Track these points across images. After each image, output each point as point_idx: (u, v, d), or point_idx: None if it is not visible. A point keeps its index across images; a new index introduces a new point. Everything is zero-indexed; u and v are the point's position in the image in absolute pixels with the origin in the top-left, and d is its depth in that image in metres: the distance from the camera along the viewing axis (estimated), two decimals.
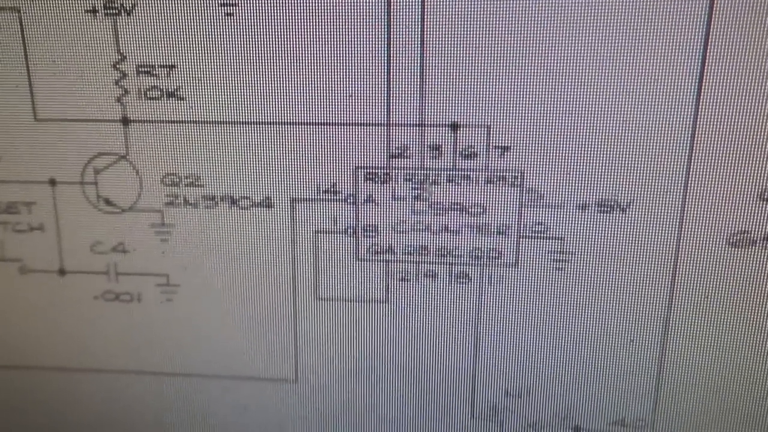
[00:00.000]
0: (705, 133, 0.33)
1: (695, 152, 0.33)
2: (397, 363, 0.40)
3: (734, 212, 0.33)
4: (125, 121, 0.37)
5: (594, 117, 0.33)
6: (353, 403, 0.41)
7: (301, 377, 0.41)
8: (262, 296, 0.40)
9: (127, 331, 0.41)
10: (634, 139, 0.33)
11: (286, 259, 0.39)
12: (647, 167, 0.34)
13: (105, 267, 0.40)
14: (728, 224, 0.34)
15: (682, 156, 0.33)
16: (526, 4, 0.32)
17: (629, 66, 0.32)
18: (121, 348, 0.42)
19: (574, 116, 0.33)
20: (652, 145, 0.33)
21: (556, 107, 0.33)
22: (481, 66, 0.33)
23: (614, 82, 0.32)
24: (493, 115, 0.34)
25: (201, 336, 0.41)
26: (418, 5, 0.33)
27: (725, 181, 0.33)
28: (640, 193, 0.34)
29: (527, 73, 0.33)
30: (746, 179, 0.33)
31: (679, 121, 0.33)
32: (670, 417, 0.38)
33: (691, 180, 0.33)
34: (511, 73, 0.33)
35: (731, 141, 0.32)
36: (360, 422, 0.42)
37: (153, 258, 0.40)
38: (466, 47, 0.33)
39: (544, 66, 0.33)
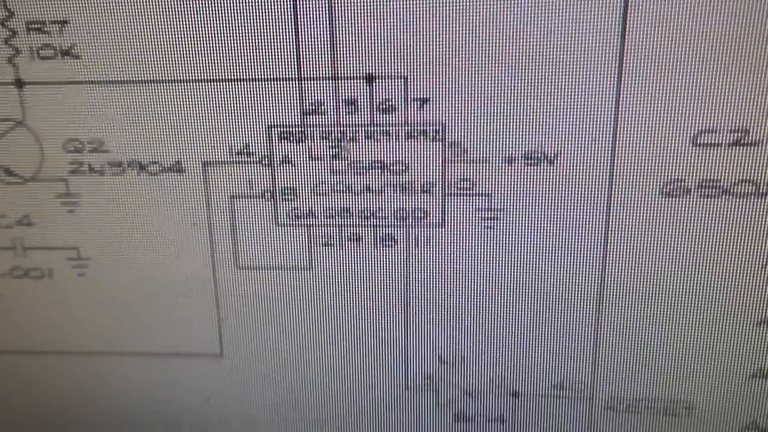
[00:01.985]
0: (632, 76, 0.30)
1: (622, 97, 0.31)
2: (325, 333, 0.38)
3: (666, 160, 0.31)
4: (19, 83, 0.34)
5: (516, 63, 0.31)
6: (281, 377, 0.39)
7: (226, 351, 0.39)
8: (180, 267, 0.37)
9: (40, 309, 0.38)
10: (559, 86, 0.31)
11: (202, 228, 0.36)
12: (573, 115, 0.31)
13: (11, 242, 0.37)
14: (660, 173, 0.32)
15: (609, 102, 0.31)
16: None
17: (553, 9, 0.30)
18: (33, 327, 0.39)
19: (496, 63, 0.31)
20: (578, 92, 0.31)
21: (476, 53, 0.31)
22: (395, 13, 0.30)
23: (537, 24, 0.30)
24: (410, 65, 0.32)
25: (118, 312, 0.38)
26: None
27: (655, 127, 0.31)
28: (568, 144, 0.32)
29: (444, 16, 0.30)
30: (677, 123, 0.30)
31: (605, 63, 0.30)
32: (609, 377, 0.36)
33: (620, 127, 0.31)
34: (427, 18, 0.30)
35: (659, 83, 0.30)
36: (289, 396, 0.39)
37: (61, 230, 0.37)
38: None
39: (462, 7, 0.30)
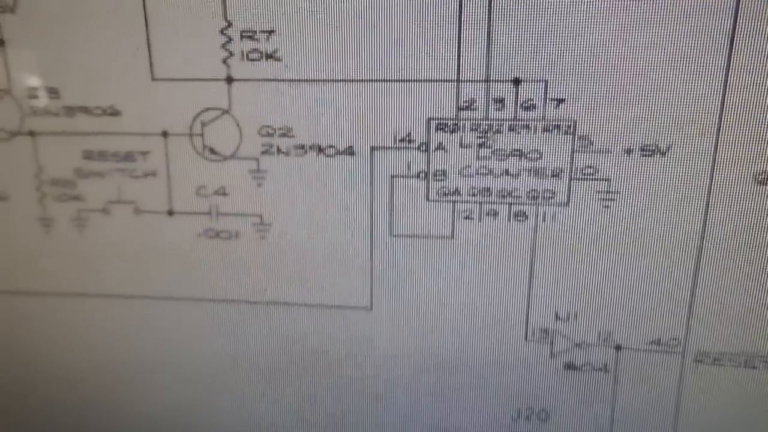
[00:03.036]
0: (738, 74, 0.38)
1: (727, 96, 0.38)
2: (462, 292, 0.46)
3: (761, 152, 0.39)
4: (229, 80, 0.43)
5: (636, 69, 0.39)
6: (422, 330, 0.48)
7: (375, 306, 0.48)
8: (342, 234, 0.46)
9: (226, 264, 0.48)
10: (671, 87, 0.39)
11: (365, 201, 0.45)
12: (684, 113, 0.39)
13: (208, 208, 0.47)
14: (756, 163, 0.39)
15: (715, 101, 0.39)
16: None
17: (664, 16, 0.38)
18: (221, 278, 0.48)
19: (618, 68, 0.39)
20: (688, 92, 0.39)
21: (604, 61, 0.39)
22: (542, 24, 0.39)
23: (650, 34, 0.38)
24: (551, 70, 0.40)
25: (290, 269, 0.47)
26: None
27: (754, 124, 0.39)
28: (678, 137, 0.40)
29: (581, 29, 0.39)
30: None
31: (712, 68, 0.38)
32: (701, 336, 0.44)
33: (723, 124, 0.39)
34: (565, 31, 0.39)
35: (761, 88, 0.38)
36: (427, 344, 0.48)
37: (249, 200, 0.46)
38: (529, 7, 0.39)
39: (592, 23, 0.38)
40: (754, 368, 0.43)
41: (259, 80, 0.42)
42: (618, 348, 0.45)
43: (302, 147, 0.44)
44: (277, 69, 0.42)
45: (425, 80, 0.41)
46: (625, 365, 0.45)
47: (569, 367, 0.46)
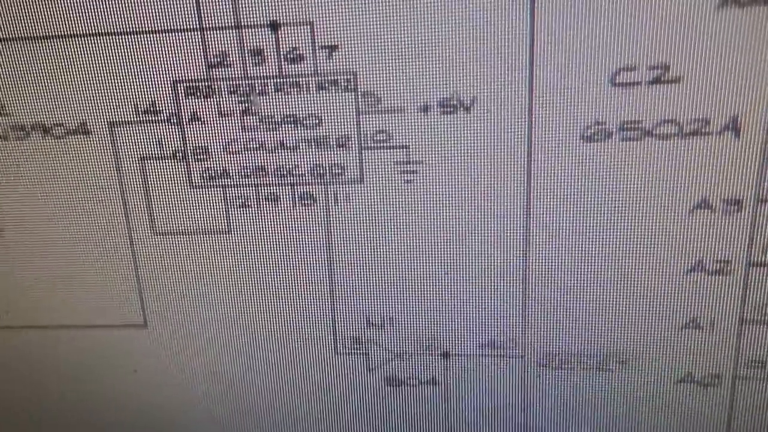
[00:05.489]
0: (545, 13, 0.28)
1: (536, 36, 0.29)
2: (247, 298, 0.36)
3: (585, 102, 0.29)
4: None
5: (424, 3, 0.29)
6: (209, 345, 0.37)
7: (150, 321, 0.37)
8: (95, 234, 0.35)
9: None
10: (470, 25, 0.29)
11: (114, 192, 0.34)
12: (487, 57, 0.29)
13: None
14: (580, 116, 0.30)
15: (523, 43, 0.29)
16: None
17: None
18: None
19: (405, 4, 0.29)
20: (490, 31, 0.29)
21: None
22: None
23: None
24: (315, 8, 0.30)
25: (34, 284, 0.37)
26: None
27: (572, 67, 0.29)
28: (483, 88, 0.30)
29: None
30: (594, 62, 0.29)
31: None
32: (540, 334, 0.34)
33: (536, 68, 0.29)
34: None
35: (574, 19, 0.28)
36: (217, 366, 0.38)
37: None
38: None
39: None
40: (608, 371, 0.34)
41: None
42: (446, 355, 0.35)
43: (22, 128, 0.33)
44: None
45: (160, 30, 0.30)
46: (457, 374, 0.36)
47: (391, 382, 0.36)
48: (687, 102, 0.29)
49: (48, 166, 0.35)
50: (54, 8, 0.31)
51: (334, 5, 0.30)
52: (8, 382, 0.40)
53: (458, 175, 0.32)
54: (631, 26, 0.28)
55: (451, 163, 0.32)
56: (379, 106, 0.31)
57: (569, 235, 0.32)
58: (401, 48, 0.30)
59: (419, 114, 0.31)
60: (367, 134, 0.32)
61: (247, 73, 0.32)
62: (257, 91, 0.32)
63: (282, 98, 0.32)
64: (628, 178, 0.31)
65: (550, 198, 0.32)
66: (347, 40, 0.31)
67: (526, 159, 0.31)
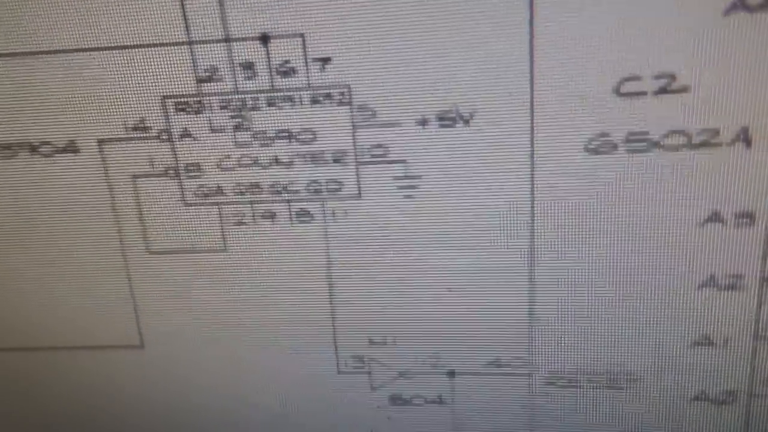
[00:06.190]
0: (546, 23, 0.27)
1: (537, 46, 0.27)
2: (245, 317, 0.35)
3: (589, 113, 0.28)
4: None
5: (420, 13, 0.28)
6: (207, 365, 0.36)
7: (146, 341, 0.36)
8: (88, 256, 0.34)
9: None
10: (468, 35, 0.28)
11: (105, 212, 0.33)
12: (485, 68, 0.28)
13: None
14: (584, 128, 0.28)
15: (522, 51, 0.28)
16: None
17: None
18: None
19: (399, 15, 0.28)
20: (488, 41, 0.28)
21: (377, 6, 0.28)
22: None
23: None
24: (307, 21, 0.28)
25: (27, 306, 0.36)
26: None
27: (575, 77, 0.28)
28: (484, 100, 0.29)
29: None
30: (597, 72, 0.27)
31: (516, 9, 0.27)
32: (547, 351, 0.33)
33: (537, 79, 0.28)
34: None
35: (576, 27, 0.27)
36: (216, 386, 0.37)
37: None
38: None
39: None
40: (618, 389, 0.33)
41: None
42: (451, 374, 0.34)
43: (8, 147, 0.32)
44: None
45: (147, 45, 0.29)
46: (463, 393, 0.34)
47: (396, 401, 0.35)
48: (695, 112, 0.27)
49: (37, 186, 0.33)
50: (38, 24, 0.30)
51: (326, 16, 0.29)
52: (2, 405, 0.39)
53: (459, 190, 0.31)
54: (635, 34, 0.27)
55: (451, 177, 0.31)
56: (375, 119, 0.30)
57: (575, 251, 0.31)
58: (397, 59, 0.29)
59: (417, 127, 0.30)
60: (363, 149, 0.31)
61: (237, 88, 0.30)
62: (249, 106, 0.31)
63: (275, 113, 0.31)
64: (635, 192, 0.29)
65: (554, 212, 0.30)
66: (340, 52, 0.29)
67: (529, 172, 0.30)
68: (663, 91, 0.27)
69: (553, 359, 0.34)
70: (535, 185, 0.30)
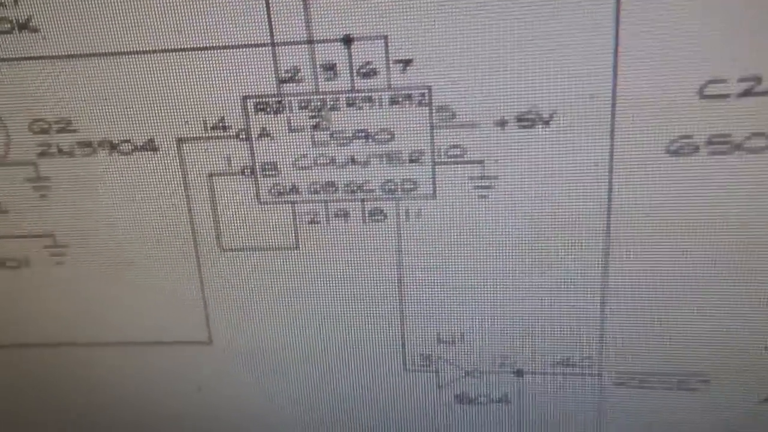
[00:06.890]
0: (630, 24, 0.27)
1: (621, 48, 0.28)
2: (316, 316, 0.35)
3: (671, 115, 0.28)
4: None
5: (501, 14, 0.28)
6: (275, 363, 0.37)
7: (215, 338, 0.37)
8: (160, 252, 0.35)
9: (16, 301, 0.37)
10: (550, 37, 0.28)
11: (181, 209, 0.34)
12: (568, 69, 0.28)
13: None
14: (666, 129, 0.29)
15: (606, 54, 0.28)
16: None
17: None
18: (11, 319, 0.37)
19: (482, 16, 0.28)
20: (572, 42, 0.28)
21: (461, 7, 0.28)
22: None
23: None
24: (391, 23, 0.29)
25: (99, 301, 0.36)
26: None
27: (658, 79, 0.28)
28: (564, 101, 0.29)
29: None
30: (681, 74, 0.27)
31: (601, 10, 0.27)
32: (618, 352, 0.33)
33: (620, 80, 0.28)
34: None
35: (661, 31, 0.27)
36: (283, 383, 0.37)
37: (34, 216, 0.35)
38: None
39: None
40: (691, 390, 0.33)
41: (15, 59, 0.31)
42: (519, 373, 0.34)
43: (89, 144, 0.32)
44: (35, 42, 0.30)
45: (231, 46, 0.30)
46: (530, 392, 0.35)
47: (462, 400, 0.35)
48: None
49: (115, 183, 0.34)
50: (122, 24, 0.31)
51: (409, 19, 0.29)
52: (71, 397, 0.40)
53: (535, 191, 0.31)
54: (721, 37, 0.27)
55: (528, 178, 0.31)
56: (454, 120, 0.31)
57: (651, 252, 0.31)
58: (477, 61, 0.29)
59: (495, 128, 0.30)
60: (440, 149, 0.31)
61: (318, 88, 0.31)
62: (329, 107, 0.31)
63: (354, 113, 0.31)
64: (716, 194, 0.30)
65: (632, 213, 0.31)
66: (422, 54, 0.30)
67: (607, 174, 0.30)
68: (747, 93, 0.28)
69: (624, 360, 0.34)
70: (613, 187, 0.30)
